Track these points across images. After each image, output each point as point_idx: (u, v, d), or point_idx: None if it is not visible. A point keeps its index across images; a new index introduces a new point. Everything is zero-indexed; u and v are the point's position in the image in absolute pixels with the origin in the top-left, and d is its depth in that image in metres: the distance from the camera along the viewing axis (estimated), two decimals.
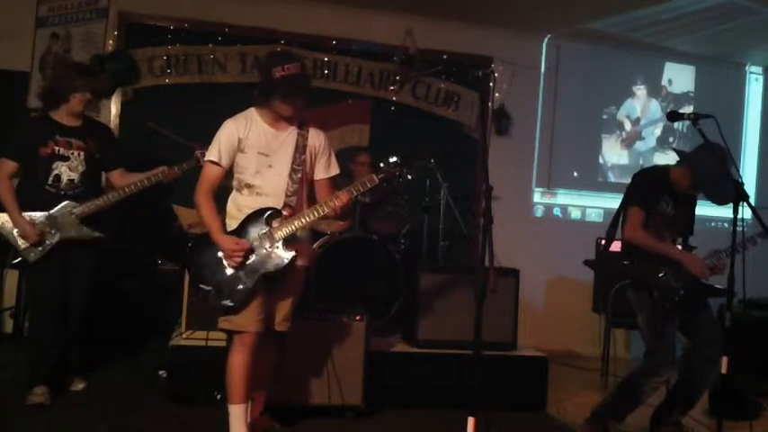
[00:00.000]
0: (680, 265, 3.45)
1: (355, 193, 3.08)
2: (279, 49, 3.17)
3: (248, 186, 3.06)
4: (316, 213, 3.03)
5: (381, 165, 3.10)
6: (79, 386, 3.94)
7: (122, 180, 3.83)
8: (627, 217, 3.56)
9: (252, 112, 3.10)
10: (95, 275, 3.83)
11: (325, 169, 3.22)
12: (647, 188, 3.57)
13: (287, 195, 3.05)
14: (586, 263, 3.91)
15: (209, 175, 3.06)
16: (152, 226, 5.01)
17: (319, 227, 4.84)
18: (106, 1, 5.35)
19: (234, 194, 3.13)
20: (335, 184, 3.27)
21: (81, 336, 3.87)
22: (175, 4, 5.46)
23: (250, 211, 3.03)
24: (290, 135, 3.10)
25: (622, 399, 3.62)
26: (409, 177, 3.11)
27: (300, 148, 3.09)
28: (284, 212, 3.02)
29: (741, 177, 3.42)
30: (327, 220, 4.09)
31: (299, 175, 3.07)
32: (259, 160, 3.04)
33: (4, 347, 4.74)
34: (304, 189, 3.13)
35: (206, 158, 3.08)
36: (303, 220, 3.02)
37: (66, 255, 3.68)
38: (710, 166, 3.34)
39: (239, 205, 3.08)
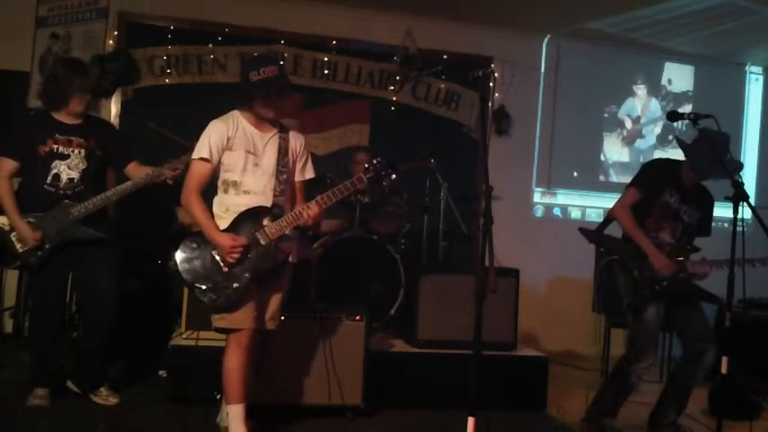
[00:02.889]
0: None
1: (333, 200, 3.11)
2: (257, 54, 3.28)
3: (235, 185, 3.08)
4: (296, 217, 3.07)
5: (367, 165, 3.18)
6: (112, 400, 3.74)
7: (138, 172, 3.71)
8: (622, 195, 3.69)
9: (236, 114, 3.13)
10: (117, 277, 3.71)
11: (300, 173, 3.27)
12: (649, 175, 3.69)
13: (275, 195, 3.08)
14: (581, 230, 4.01)
15: (199, 172, 3.05)
16: (153, 226, 5.01)
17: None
18: (106, 1, 5.35)
19: (219, 196, 3.13)
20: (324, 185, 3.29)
21: (108, 342, 3.75)
22: (175, 4, 5.46)
23: (239, 210, 3.05)
24: (273, 137, 3.15)
25: (611, 391, 3.66)
26: (393, 177, 3.19)
27: (283, 150, 3.14)
28: (274, 211, 3.06)
29: (741, 177, 3.44)
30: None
31: (285, 176, 3.12)
32: (247, 158, 3.07)
33: (5, 347, 4.74)
34: (289, 190, 3.18)
35: (195, 156, 3.05)
36: (293, 222, 3.05)
37: (70, 257, 3.62)
38: (706, 155, 3.38)
39: (227, 205, 3.09)
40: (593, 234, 3.84)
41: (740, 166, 3.61)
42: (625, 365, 3.58)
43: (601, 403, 3.68)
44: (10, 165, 3.56)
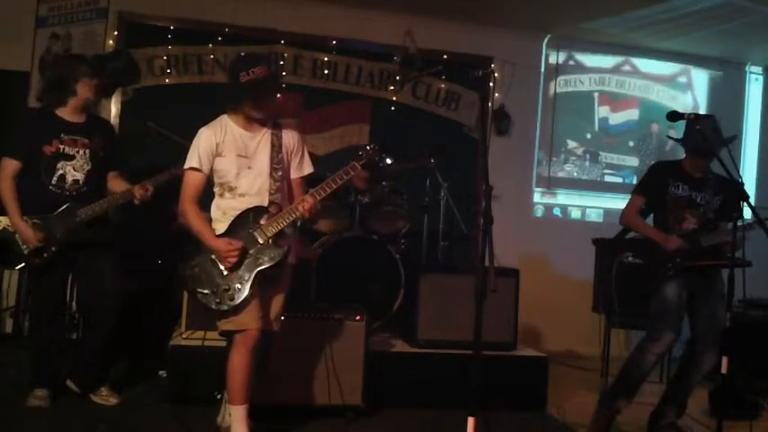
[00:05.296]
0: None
1: (328, 191, 3.11)
2: (243, 54, 3.28)
3: (231, 189, 3.09)
4: (292, 213, 3.07)
5: (360, 153, 3.17)
6: (112, 400, 3.73)
7: (112, 183, 3.75)
8: (627, 202, 3.82)
9: (225, 119, 3.13)
10: (119, 277, 3.71)
11: (298, 169, 3.25)
12: (647, 177, 3.83)
13: (271, 194, 3.08)
14: (595, 241, 4.16)
15: (192, 181, 3.08)
16: (153, 226, 5.01)
17: (319, 227, 4.84)
18: (106, 1, 5.36)
19: (216, 200, 3.15)
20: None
21: (110, 342, 3.74)
22: (175, 4, 5.46)
23: (235, 213, 3.06)
24: (264, 136, 3.14)
25: (629, 370, 3.65)
26: (388, 161, 3.17)
27: (276, 147, 3.13)
28: (271, 209, 3.06)
29: (741, 177, 3.45)
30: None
31: (280, 174, 3.11)
32: (239, 162, 3.07)
33: (5, 347, 4.74)
34: (285, 187, 3.17)
35: (186, 166, 3.08)
36: (290, 218, 3.06)
37: (72, 259, 3.62)
38: (700, 136, 3.45)
39: (224, 209, 3.10)
40: (606, 242, 3.92)
41: (733, 138, 3.79)
42: (645, 342, 3.61)
43: (617, 384, 3.69)
44: (13, 165, 3.54)
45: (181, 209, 3.09)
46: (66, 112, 3.63)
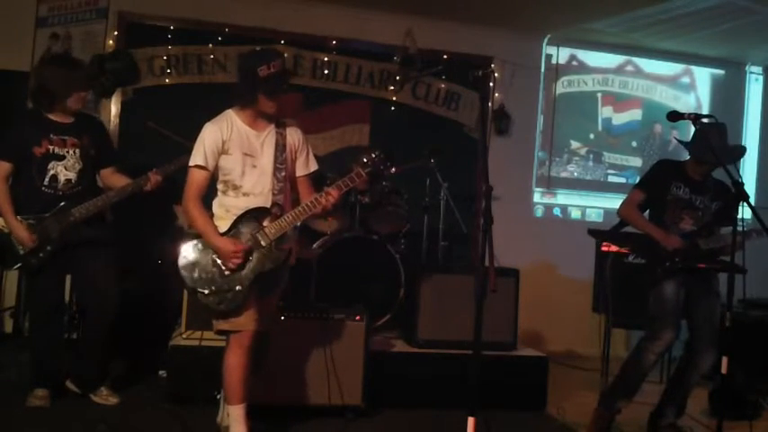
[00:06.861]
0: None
1: (344, 189, 3.12)
2: (259, 48, 3.32)
3: (235, 188, 3.07)
4: (306, 210, 3.07)
5: (365, 160, 3.15)
6: (112, 400, 3.75)
7: (111, 179, 3.75)
8: (627, 196, 3.83)
9: (230, 114, 3.09)
10: (116, 277, 3.70)
11: (305, 166, 3.25)
12: (650, 174, 3.85)
13: (274, 194, 3.06)
14: (591, 231, 4.16)
15: (197, 179, 3.04)
16: (153, 225, 5.01)
17: (319, 227, 4.84)
18: (106, 1, 5.35)
19: (219, 197, 3.12)
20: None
21: (109, 342, 3.76)
22: (175, 4, 5.45)
23: (239, 212, 3.04)
24: (269, 135, 3.12)
25: (629, 370, 3.66)
26: (393, 170, 3.17)
27: (281, 146, 3.11)
28: (273, 210, 3.05)
29: (741, 177, 3.45)
30: (317, 218, 4.14)
31: (283, 174, 3.10)
32: (244, 161, 3.05)
33: (5, 347, 4.74)
34: (288, 187, 3.16)
35: (191, 163, 3.04)
36: (294, 218, 3.05)
37: (69, 258, 3.61)
38: (708, 145, 3.44)
39: (227, 206, 3.08)
40: (603, 234, 3.91)
41: (743, 150, 3.90)
42: (644, 342, 3.61)
43: (617, 384, 3.69)
44: (5, 167, 3.53)
45: (184, 207, 3.05)
46: (56, 115, 3.62)
